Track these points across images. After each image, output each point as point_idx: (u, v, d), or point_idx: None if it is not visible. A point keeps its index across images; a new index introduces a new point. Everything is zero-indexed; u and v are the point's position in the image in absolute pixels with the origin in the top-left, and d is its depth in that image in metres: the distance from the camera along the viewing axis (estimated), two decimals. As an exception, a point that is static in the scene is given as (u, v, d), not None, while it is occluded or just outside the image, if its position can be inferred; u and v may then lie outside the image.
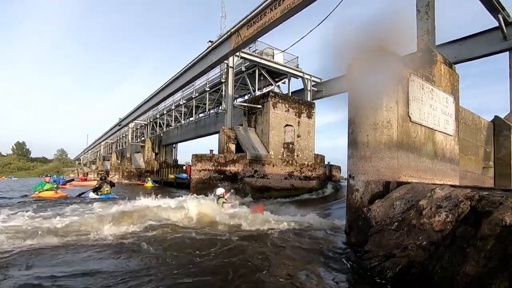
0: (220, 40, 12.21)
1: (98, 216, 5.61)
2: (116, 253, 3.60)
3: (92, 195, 11.14)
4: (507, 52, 10.34)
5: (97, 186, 11.59)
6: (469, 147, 7.64)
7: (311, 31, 9.85)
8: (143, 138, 32.01)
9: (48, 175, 13.15)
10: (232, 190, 8.08)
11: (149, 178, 23.45)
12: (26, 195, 11.18)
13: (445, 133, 5.49)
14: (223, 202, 6.98)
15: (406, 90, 4.65)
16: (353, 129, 4.68)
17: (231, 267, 3.14)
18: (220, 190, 7.36)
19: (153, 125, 30.96)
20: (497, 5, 9.05)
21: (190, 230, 4.94)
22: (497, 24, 9.55)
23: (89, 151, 60.84)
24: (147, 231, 4.74)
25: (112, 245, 3.96)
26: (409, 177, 4.62)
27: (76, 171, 62.93)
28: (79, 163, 71.84)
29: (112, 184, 11.79)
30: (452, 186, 3.41)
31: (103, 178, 12.41)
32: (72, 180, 19.12)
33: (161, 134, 29.55)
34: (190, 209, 6.21)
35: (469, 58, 10.35)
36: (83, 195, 11.33)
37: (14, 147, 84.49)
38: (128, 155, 30.84)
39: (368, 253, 3.24)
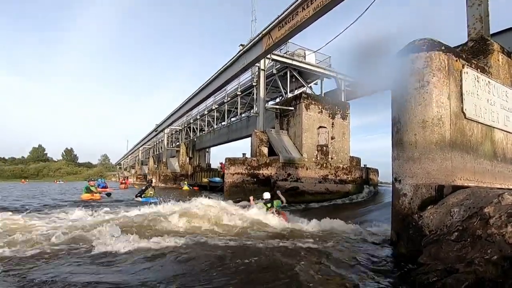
0: (252, 43, 12.19)
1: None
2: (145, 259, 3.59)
3: (137, 198, 12.06)
4: None
5: (142, 188, 12.66)
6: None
7: (345, 29, 9.41)
8: (178, 143, 33.06)
9: (92, 179, 14.16)
10: (278, 191, 7.82)
11: (185, 182, 24.10)
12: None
13: (505, 130, 4.87)
14: (270, 207, 6.86)
15: (459, 83, 4.18)
16: (398, 128, 4.30)
17: (263, 282, 2.94)
18: (266, 195, 7.18)
19: (187, 130, 31.88)
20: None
21: (220, 238, 4.84)
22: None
23: (129, 156, 64.31)
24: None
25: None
26: (464, 180, 4.13)
27: (117, 175, 66.75)
28: (120, 168, 76.18)
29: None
30: (523, 191, 2.94)
31: (150, 181, 13.32)
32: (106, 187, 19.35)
33: (195, 139, 30.30)
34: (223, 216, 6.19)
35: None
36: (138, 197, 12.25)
37: (64, 153, 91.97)
38: (164, 160, 32.02)
39: (423, 266, 2.88)
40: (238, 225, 5.81)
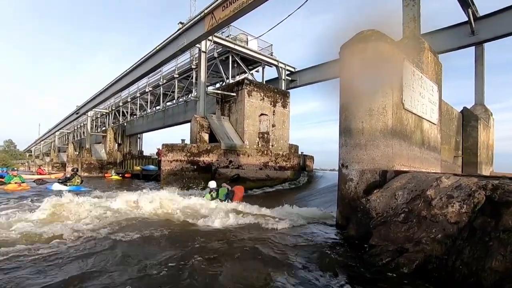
0: (193, 21, 11.37)
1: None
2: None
3: (58, 186, 10.76)
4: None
5: (67, 176, 11.80)
6: (444, 137, 7.85)
7: (288, 16, 9.49)
8: (104, 128, 29.83)
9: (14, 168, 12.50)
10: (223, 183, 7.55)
11: (112, 170, 22.02)
12: None
13: (430, 121, 5.47)
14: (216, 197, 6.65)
15: (400, 75, 4.47)
16: (346, 116, 4.43)
17: (214, 269, 2.73)
18: (212, 184, 7.01)
19: (115, 114, 28.83)
20: (468, -1, 9.34)
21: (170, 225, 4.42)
22: (466, 19, 9.90)
23: (42, 142, 55.77)
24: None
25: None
26: (401, 166, 4.50)
27: (27, 163, 57.67)
28: (30, 155, 65.73)
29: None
30: (455, 175, 3.27)
31: (76, 170, 12.74)
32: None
33: (125, 124, 27.71)
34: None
35: (440, 51, 10.66)
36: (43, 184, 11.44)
37: (-49, 137, 75.09)
38: (87, 146, 28.62)
39: (374, 247, 3.00)
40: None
